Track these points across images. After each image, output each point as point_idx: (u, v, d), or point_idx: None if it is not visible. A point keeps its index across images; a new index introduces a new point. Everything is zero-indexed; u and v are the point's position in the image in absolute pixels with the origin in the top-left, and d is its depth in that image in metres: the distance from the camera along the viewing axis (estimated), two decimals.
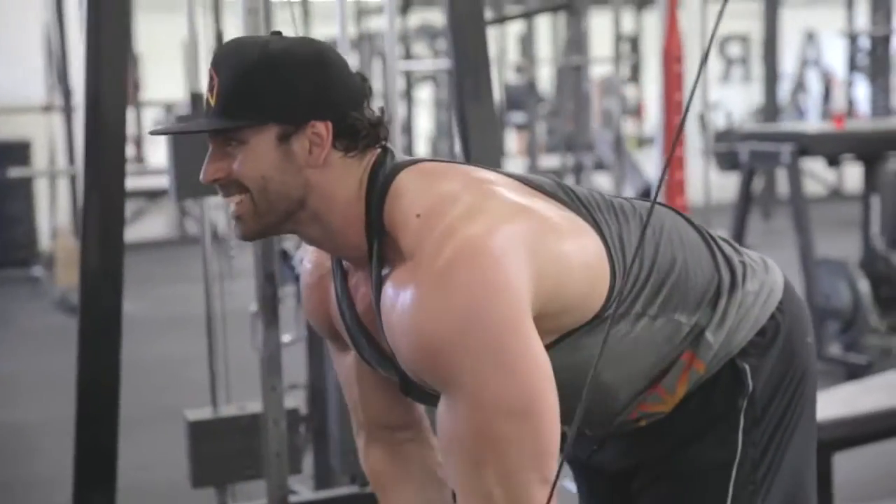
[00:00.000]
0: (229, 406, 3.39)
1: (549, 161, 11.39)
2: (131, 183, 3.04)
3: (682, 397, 1.63)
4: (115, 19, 2.96)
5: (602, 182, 10.20)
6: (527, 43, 11.13)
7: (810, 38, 13.44)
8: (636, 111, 13.33)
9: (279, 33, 1.56)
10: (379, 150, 1.54)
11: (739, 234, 5.82)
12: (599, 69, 11.24)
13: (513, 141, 13.99)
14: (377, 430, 1.80)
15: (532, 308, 1.44)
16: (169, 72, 10.93)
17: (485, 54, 3.21)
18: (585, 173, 9.38)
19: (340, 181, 1.51)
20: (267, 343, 2.83)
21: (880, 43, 8.27)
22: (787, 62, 13.47)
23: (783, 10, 11.28)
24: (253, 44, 1.51)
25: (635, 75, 13.64)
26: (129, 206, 2.55)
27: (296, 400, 3.49)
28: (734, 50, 17.50)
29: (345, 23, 2.93)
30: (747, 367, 1.62)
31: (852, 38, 10.57)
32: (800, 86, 13.57)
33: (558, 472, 1.38)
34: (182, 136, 2.72)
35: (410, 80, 9.63)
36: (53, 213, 9.03)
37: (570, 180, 8.94)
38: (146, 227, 10.59)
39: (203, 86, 2.00)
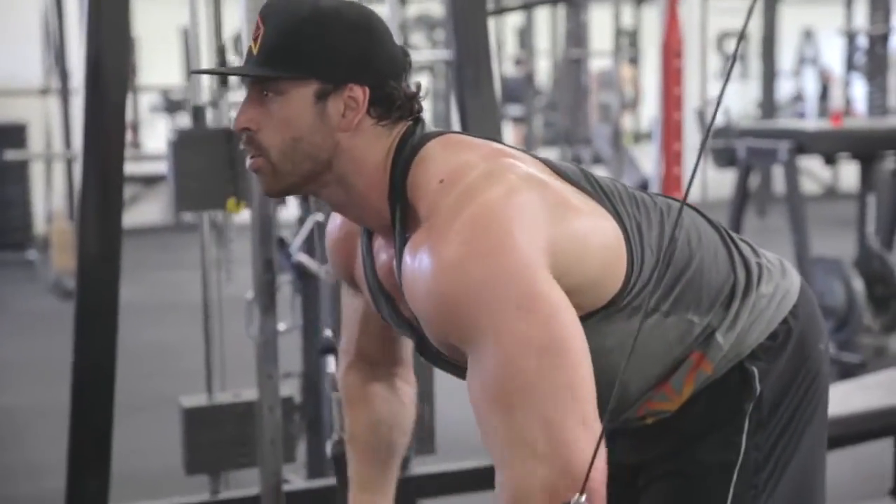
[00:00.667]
0: (224, 393, 3.40)
1: (546, 155, 11.33)
2: (127, 168, 3.03)
3: (688, 397, 1.62)
4: (115, 1, 2.96)
5: None
6: (526, 35, 11.12)
7: (808, 36, 13.44)
8: (633, 104, 13.29)
9: None
10: (410, 122, 1.55)
11: (735, 231, 5.80)
12: (598, 63, 11.22)
13: (509, 134, 13.96)
14: (362, 362, 1.84)
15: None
16: (165, 57, 10.91)
17: (486, 45, 3.21)
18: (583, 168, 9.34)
19: (369, 147, 1.52)
20: (263, 330, 2.84)
21: (878, 42, 8.25)
22: (785, 60, 13.47)
23: (782, 8, 11.27)
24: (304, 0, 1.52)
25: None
26: (125, 192, 2.55)
27: (290, 388, 3.49)
28: (732, 47, 17.51)
29: None
30: (756, 371, 1.61)
31: (850, 37, 10.56)
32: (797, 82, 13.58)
33: (603, 428, 1.32)
34: (184, 151, 2.72)
35: None
36: (49, 197, 9.01)
37: None
38: (142, 212, 10.58)
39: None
